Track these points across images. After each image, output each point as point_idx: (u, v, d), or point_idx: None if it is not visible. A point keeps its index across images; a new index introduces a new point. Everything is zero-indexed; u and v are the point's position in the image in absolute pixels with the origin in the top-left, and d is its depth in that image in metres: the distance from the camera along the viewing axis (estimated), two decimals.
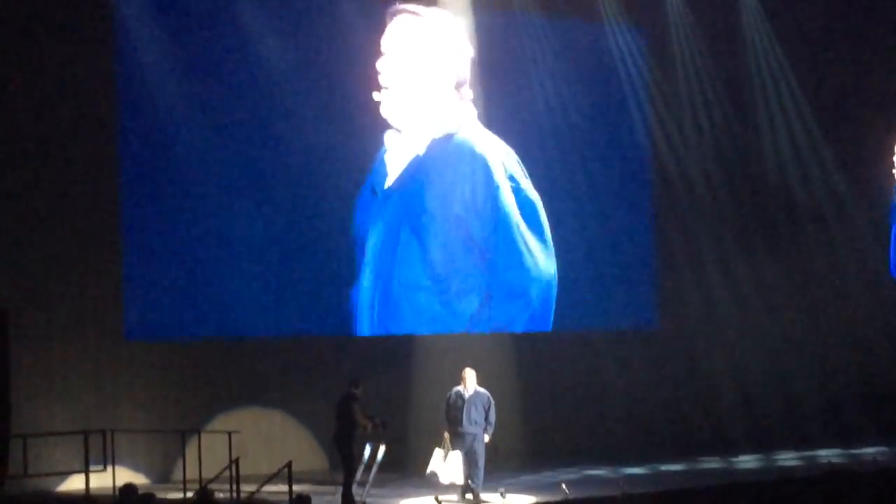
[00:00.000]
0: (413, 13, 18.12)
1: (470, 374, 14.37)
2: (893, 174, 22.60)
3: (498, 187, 18.74)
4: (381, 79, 17.87)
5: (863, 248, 22.59)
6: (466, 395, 14.23)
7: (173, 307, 16.69)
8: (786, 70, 21.92)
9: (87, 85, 16.18)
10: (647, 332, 20.78)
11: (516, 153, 19.19)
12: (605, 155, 20.50)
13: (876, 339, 22.31)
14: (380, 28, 18.08)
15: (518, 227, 18.88)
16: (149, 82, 16.50)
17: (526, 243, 18.93)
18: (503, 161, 18.81)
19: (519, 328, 19.26)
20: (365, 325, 17.95)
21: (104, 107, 16.36)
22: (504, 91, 19.30)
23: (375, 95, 17.81)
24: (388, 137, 18.11)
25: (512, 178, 18.84)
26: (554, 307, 19.26)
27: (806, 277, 22.19)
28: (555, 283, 19.26)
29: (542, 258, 19.09)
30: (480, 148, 18.67)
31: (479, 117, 18.93)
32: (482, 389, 14.37)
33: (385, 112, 17.93)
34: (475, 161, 18.67)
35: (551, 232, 19.40)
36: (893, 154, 22.75)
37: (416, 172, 18.26)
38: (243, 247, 17.17)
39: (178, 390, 16.89)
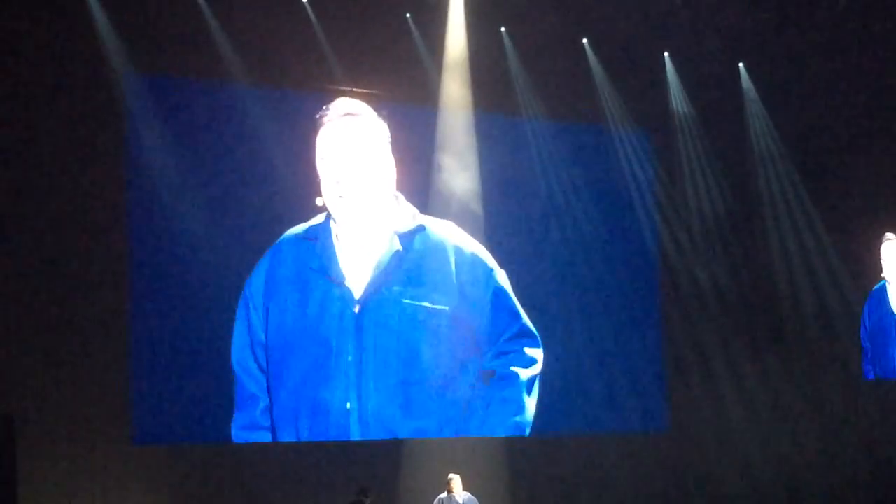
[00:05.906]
0: (353, 114, 17.54)
1: (456, 480, 14.34)
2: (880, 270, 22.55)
3: (493, 271, 18.28)
4: (327, 180, 17.29)
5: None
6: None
7: (182, 412, 16.71)
8: (791, 173, 22.02)
9: (97, 191, 16.43)
10: (657, 435, 20.67)
11: (521, 256, 19.24)
12: (612, 257, 20.52)
13: (888, 447, 22.06)
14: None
15: (516, 311, 18.45)
16: (156, 175, 16.62)
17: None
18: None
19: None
20: (356, 430, 17.38)
21: (113, 207, 16.53)
22: (508, 193, 19.38)
23: (319, 201, 17.30)
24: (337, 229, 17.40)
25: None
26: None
27: (815, 382, 22.04)
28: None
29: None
30: (461, 239, 18.18)
31: (484, 218, 18.85)
32: (469, 495, 14.33)
33: (334, 211, 17.33)
34: (462, 251, 18.17)
35: (558, 334, 19.41)
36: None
37: (400, 266, 17.65)
38: None
39: (187, 495, 16.91)
